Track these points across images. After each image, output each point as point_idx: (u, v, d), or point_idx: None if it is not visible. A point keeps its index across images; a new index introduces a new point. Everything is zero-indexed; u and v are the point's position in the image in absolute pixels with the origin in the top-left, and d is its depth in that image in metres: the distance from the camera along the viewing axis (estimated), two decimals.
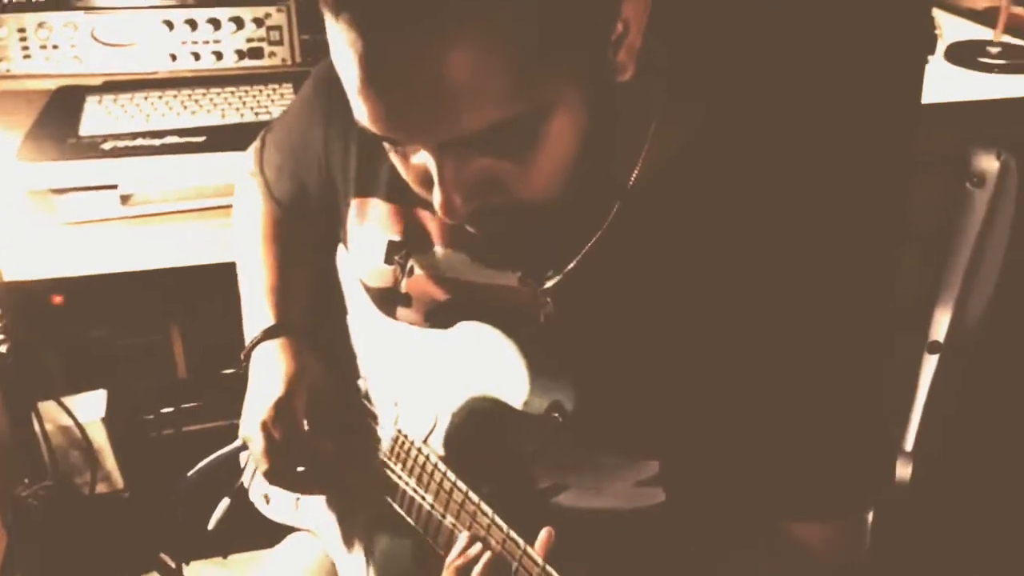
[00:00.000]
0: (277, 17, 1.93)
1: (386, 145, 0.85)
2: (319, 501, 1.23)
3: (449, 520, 0.99)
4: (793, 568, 1.00)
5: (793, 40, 1.21)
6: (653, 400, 0.96)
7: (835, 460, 0.97)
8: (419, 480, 1.04)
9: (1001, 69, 1.97)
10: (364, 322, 1.21)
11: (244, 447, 1.37)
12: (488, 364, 1.00)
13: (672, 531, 1.02)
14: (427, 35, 0.71)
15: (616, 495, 1.01)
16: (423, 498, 1.03)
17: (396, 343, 1.14)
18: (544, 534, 0.88)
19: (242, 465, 1.43)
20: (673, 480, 1.00)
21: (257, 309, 1.25)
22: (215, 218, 1.64)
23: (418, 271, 1.07)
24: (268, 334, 1.20)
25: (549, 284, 0.99)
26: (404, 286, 1.08)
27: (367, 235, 1.11)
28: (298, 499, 1.27)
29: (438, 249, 1.05)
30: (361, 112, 0.78)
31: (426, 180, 0.84)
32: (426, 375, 1.09)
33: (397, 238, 1.08)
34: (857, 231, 0.94)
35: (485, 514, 0.94)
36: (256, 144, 1.33)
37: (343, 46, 0.75)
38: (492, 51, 0.72)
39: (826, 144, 1.03)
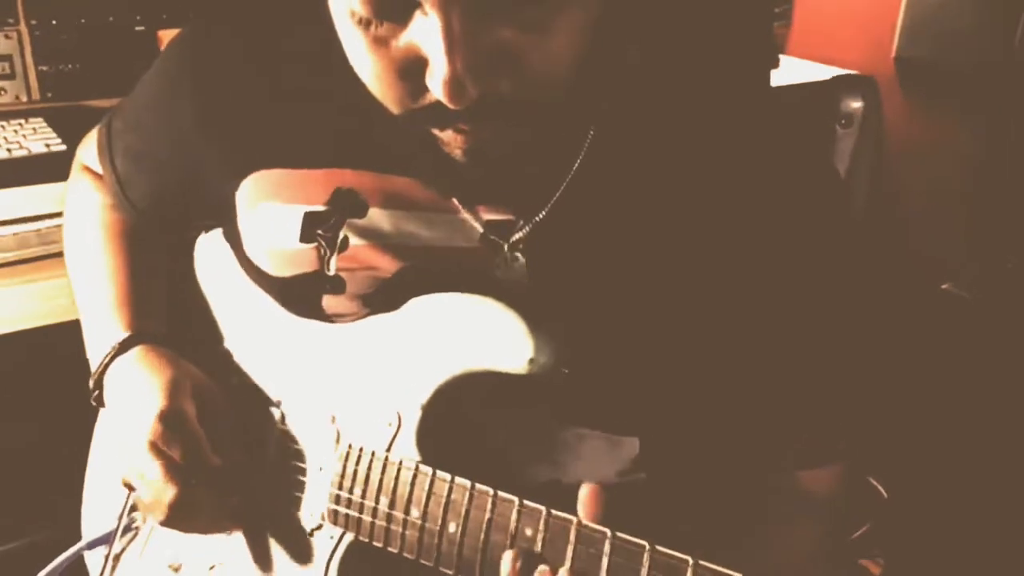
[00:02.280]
0: (3, 44, 1.60)
1: (356, 32, 0.69)
2: (231, 573, 0.97)
3: (452, 528, 0.80)
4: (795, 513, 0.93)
5: None
6: (632, 359, 0.85)
7: (819, 405, 0.91)
8: (395, 497, 0.83)
9: None
10: (264, 337, 0.98)
11: (88, 546, 1.08)
12: (463, 337, 0.82)
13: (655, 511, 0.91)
14: None
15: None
16: (406, 517, 0.82)
17: (320, 348, 0.93)
18: (588, 492, 0.74)
19: (93, 568, 1.12)
20: (653, 462, 0.89)
21: (103, 326, 1.00)
22: None
23: (355, 241, 0.88)
24: (124, 347, 0.96)
25: (517, 237, 0.85)
26: (333, 266, 0.88)
27: (269, 215, 0.90)
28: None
29: (376, 212, 0.87)
30: None
31: (412, 69, 0.68)
32: (372, 373, 0.89)
33: (319, 208, 0.88)
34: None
35: (509, 501, 0.77)
36: (96, 135, 1.08)
37: None
38: None
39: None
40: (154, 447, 0.89)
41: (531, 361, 0.79)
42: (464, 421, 0.86)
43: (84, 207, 1.11)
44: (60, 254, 1.16)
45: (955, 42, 1.71)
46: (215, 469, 0.90)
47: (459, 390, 0.84)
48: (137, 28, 1.66)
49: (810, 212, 0.86)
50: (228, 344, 1.03)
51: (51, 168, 1.38)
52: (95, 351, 1.01)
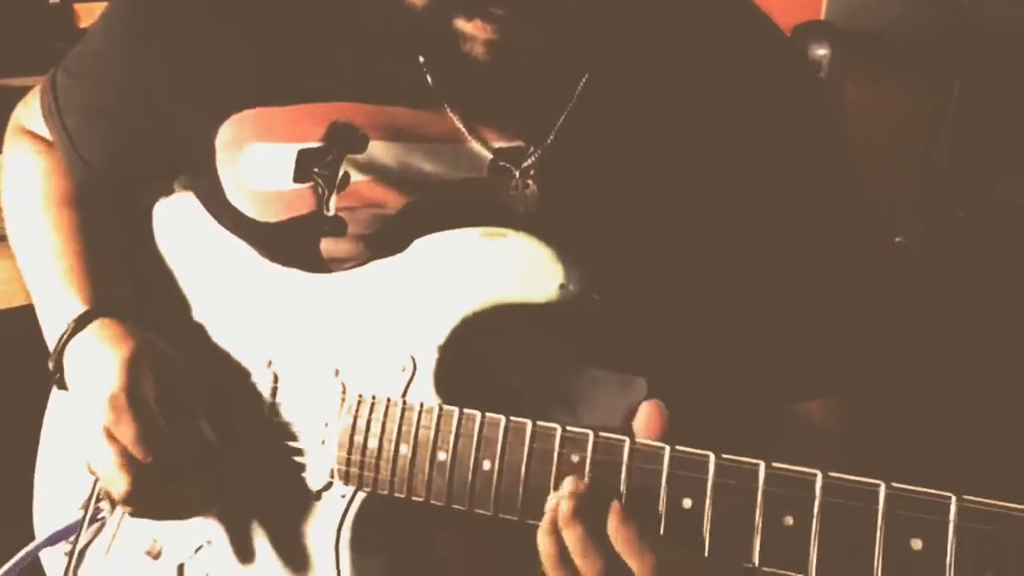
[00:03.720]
0: None
1: None
2: (226, 550, 0.89)
3: (487, 466, 0.76)
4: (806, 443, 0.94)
5: None
6: (642, 288, 0.84)
7: (814, 333, 0.91)
8: (418, 443, 0.78)
9: None
10: (247, 297, 0.92)
11: (48, 542, 0.99)
12: (482, 271, 0.79)
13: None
14: None
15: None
16: (433, 462, 0.77)
17: (316, 300, 0.87)
18: (647, 409, 0.71)
19: (51, 568, 1.02)
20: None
21: (58, 302, 0.92)
22: None
23: (356, 178, 0.83)
24: (80, 323, 0.89)
25: (528, 162, 0.83)
26: (332, 206, 0.84)
27: (257, 156, 0.85)
28: (182, 565, 0.91)
29: (377, 145, 0.82)
30: None
31: None
32: (378, 320, 0.84)
33: (315, 144, 0.83)
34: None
35: (551, 429, 0.73)
36: (40, 95, 0.99)
37: None
38: None
39: None
40: (107, 432, 0.82)
41: (561, 287, 0.76)
42: (480, 362, 0.82)
43: (25, 177, 1.03)
44: None
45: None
46: (177, 450, 0.83)
47: (476, 328, 0.81)
48: (52, 1, 1.56)
49: (804, 121, 0.88)
50: (199, 314, 0.97)
51: None
52: (52, 330, 0.93)
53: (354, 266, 0.87)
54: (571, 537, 0.67)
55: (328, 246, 0.85)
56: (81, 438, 0.88)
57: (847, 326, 0.92)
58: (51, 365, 0.91)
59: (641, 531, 0.65)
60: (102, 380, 0.84)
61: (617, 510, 0.66)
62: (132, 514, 0.85)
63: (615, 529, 0.65)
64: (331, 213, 0.84)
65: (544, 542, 0.69)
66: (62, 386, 0.92)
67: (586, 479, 0.70)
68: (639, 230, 0.83)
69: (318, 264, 0.88)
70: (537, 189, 0.83)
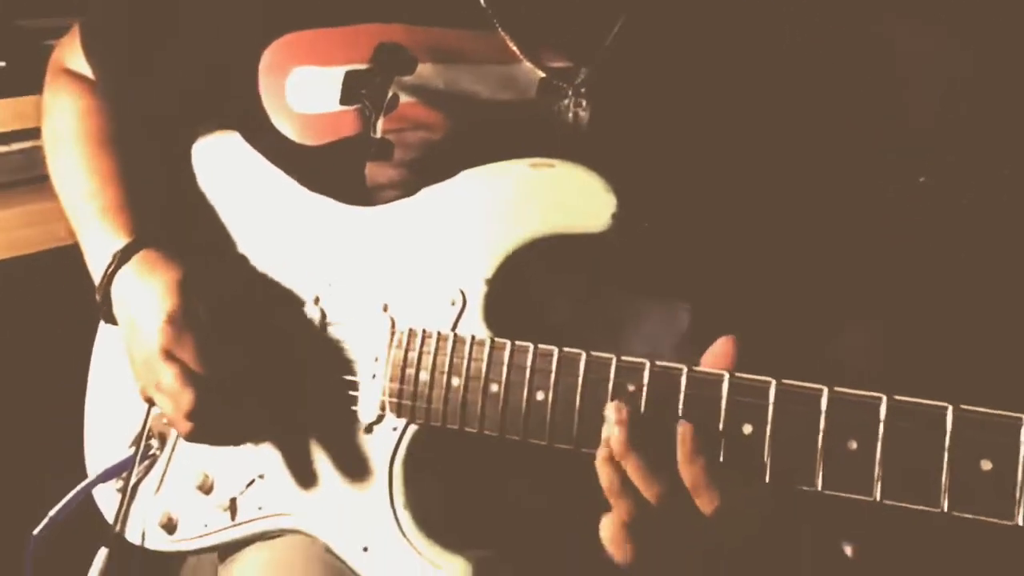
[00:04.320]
0: None
1: None
2: (279, 484, 0.90)
3: (541, 396, 0.75)
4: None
5: None
6: (692, 212, 0.83)
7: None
8: (470, 375, 0.78)
9: None
10: (294, 232, 0.91)
11: (100, 479, 1.01)
12: (531, 203, 0.78)
13: None
14: None
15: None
16: (486, 393, 0.77)
17: (363, 234, 0.87)
18: (722, 343, 0.70)
19: (104, 505, 1.04)
20: (703, 335, 0.88)
21: (102, 237, 0.93)
22: None
23: (405, 99, 0.82)
24: (125, 254, 0.90)
25: (580, 79, 0.81)
26: (379, 128, 0.83)
27: (303, 79, 0.84)
28: (234, 499, 0.93)
29: (425, 67, 0.82)
30: None
31: None
32: (425, 253, 0.83)
33: (361, 66, 0.83)
34: None
35: (606, 359, 0.73)
36: (80, 29, 0.99)
37: None
38: None
39: None
40: (166, 353, 0.82)
41: (613, 216, 0.75)
42: (528, 295, 0.82)
43: (65, 117, 1.02)
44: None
45: None
46: (236, 370, 0.84)
47: (525, 261, 0.80)
48: None
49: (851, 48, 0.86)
50: (244, 250, 0.96)
51: None
52: (96, 266, 0.93)
53: (398, 195, 0.86)
54: (630, 466, 0.67)
55: (373, 171, 0.85)
56: (135, 367, 0.88)
57: (880, 251, 0.91)
58: (98, 298, 0.92)
59: (708, 467, 0.65)
60: (155, 304, 0.85)
61: (685, 444, 0.66)
62: (191, 437, 0.86)
63: (683, 463, 0.65)
64: (378, 135, 0.83)
65: (602, 471, 0.69)
66: (109, 319, 0.92)
67: (642, 408, 0.70)
68: (688, 152, 0.82)
69: (362, 191, 0.87)
70: (588, 108, 0.81)
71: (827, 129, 0.84)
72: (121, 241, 0.91)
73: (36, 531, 0.97)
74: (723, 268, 0.85)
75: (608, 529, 0.67)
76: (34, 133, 1.31)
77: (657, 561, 0.68)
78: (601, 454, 0.70)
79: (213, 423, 0.84)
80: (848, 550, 0.91)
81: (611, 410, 0.69)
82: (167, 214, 0.97)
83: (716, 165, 0.82)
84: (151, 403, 0.89)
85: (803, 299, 0.87)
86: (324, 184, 0.90)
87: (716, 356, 0.69)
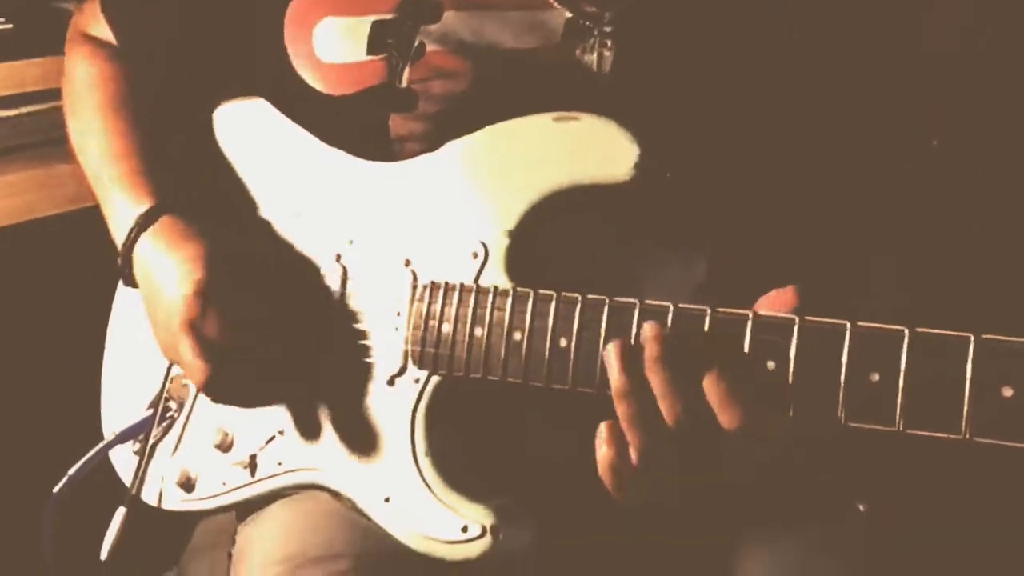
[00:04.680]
0: None
1: None
2: (299, 440, 0.91)
3: (564, 343, 0.76)
4: None
5: None
6: (713, 161, 0.84)
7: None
8: (492, 324, 0.79)
9: None
10: (316, 190, 0.93)
11: (119, 440, 1.02)
12: (553, 154, 0.80)
13: None
14: None
15: None
16: (509, 342, 0.78)
17: (384, 189, 0.88)
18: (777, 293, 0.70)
19: (120, 466, 1.05)
20: (720, 284, 0.89)
21: (122, 202, 0.94)
22: None
23: (431, 47, 0.84)
24: (148, 219, 0.91)
25: (607, 19, 0.82)
26: (405, 77, 0.84)
27: (329, 30, 0.86)
28: (254, 456, 0.94)
29: (451, 15, 0.83)
30: None
31: None
32: (446, 207, 0.85)
33: (387, 16, 0.84)
34: None
35: (629, 304, 0.73)
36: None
37: None
38: None
39: None
40: (189, 324, 0.84)
41: (636, 167, 0.77)
42: (548, 247, 0.83)
43: (85, 83, 1.03)
44: None
45: None
46: (259, 339, 0.86)
47: (547, 213, 0.82)
48: None
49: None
50: (266, 212, 0.98)
51: None
52: (119, 230, 0.94)
53: (421, 148, 0.87)
54: (656, 381, 0.67)
55: (397, 123, 0.86)
56: (156, 329, 0.90)
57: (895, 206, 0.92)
58: (119, 262, 0.93)
59: (733, 385, 0.66)
60: (178, 275, 0.86)
61: (712, 363, 0.67)
62: (214, 400, 0.87)
63: (710, 381, 0.66)
64: (403, 85, 0.85)
65: (625, 398, 0.69)
66: (130, 283, 0.93)
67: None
68: (710, 100, 0.83)
69: (384, 144, 0.88)
70: (613, 50, 0.83)
71: (849, 80, 0.85)
72: (143, 206, 0.92)
73: (55, 489, 0.98)
74: (740, 216, 0.86)
75: (611, 461, 0.69)
76: (40, 96, 1.32)
77: (661, 495, 0.70)
78: (619, 380, 0.69)
79: (235, 389, 0.86)
80: (860, 508, 0.93)
81: (650, 327, 0.69)
82: (188, 178, 0.99)
83: (736, 113, 0.84)
84: (175, 367, 0.90)
85: (818, 250, 0.88)
86: (348, 137, 0.91)
87: (771, 302, 0.70)
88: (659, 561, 0.89)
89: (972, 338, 0.60)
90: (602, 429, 0.70)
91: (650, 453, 0.68)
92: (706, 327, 0.70)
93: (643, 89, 0.82)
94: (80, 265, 1.24)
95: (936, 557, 0.95)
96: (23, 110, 1.31)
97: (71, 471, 0.98)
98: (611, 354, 0.69)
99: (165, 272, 0.88)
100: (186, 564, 1.16)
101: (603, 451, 0.69)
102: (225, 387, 0.86)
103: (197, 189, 0.98)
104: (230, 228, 0.93)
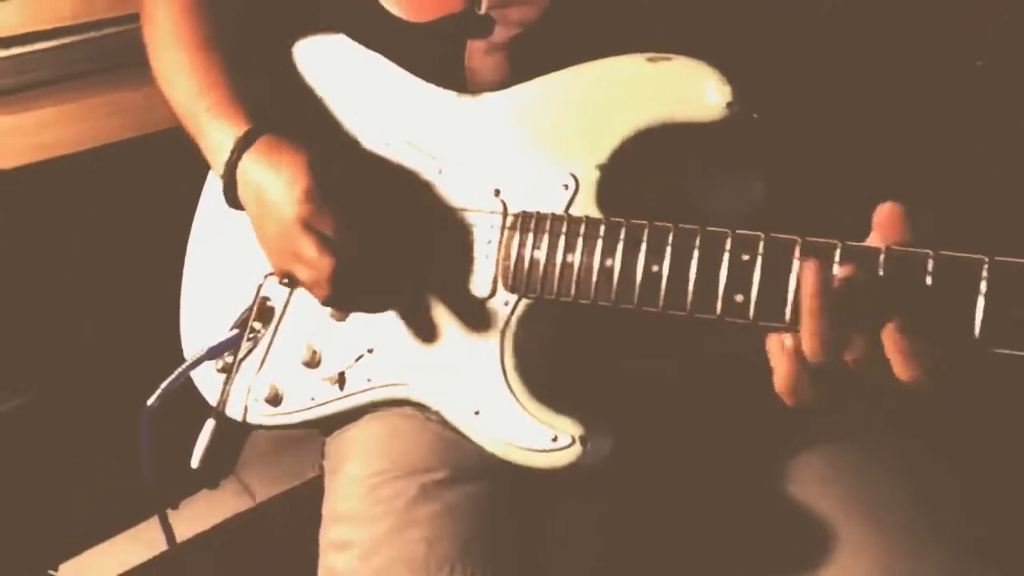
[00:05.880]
0: None
1: None
2: (389, 356, 0.96)
3: (656, 268, 0.83)
4: None
5: None
6: (789, 98, 0.89)
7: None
8: (584, 251, 0.85)
9: None
10: (409, 121, 0.97)
11: (208, 356, 1.07)
12: (644, 92, 0.85)
13: None
14: None
15: None
16: (601, 267, 0.84)
17: (475, 120, 0.93)
18: (887, 211, 0.71)
19: (202, 383, 1.10)
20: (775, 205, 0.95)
21: (215, 131, 0.98)
22: None
23: None
24: (248, 139, 0.95)
25: None
26: (485, 3, 0.89)
27: None
28: (343, 372, 1.00)
29: None
30: None
31: None
32: (537, 139, 0.90)
33: None
34: None
35: (721, 233, 0.79)
36: None
37: None
38: None
39: None
40: (305, 224, 0.88)
41: (728, 106, 0.82)
42: (634, 177, 0.89)
43: (169, 20, 1.06)
44: None
45: None
46: (370, 239, 0.91)
47: (635, 147, 0.87)
48: None
49: None
50: (353, 141, 1.02)
51: None
52: (217, 157, 0.98)
53: (495, 78, 0.92)
54: (843, 313, 0.68)
55: (473, 50, 0.91)
56: (268, 244, 0.94)
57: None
58: (222, 186, 0.97)
59: (915, 335, 0.67)
60: (288, 182, 0.90)
61: (895, 311, 0.67)
62: (330, 301, 0.92)
63: (893, 328, 0.67)
64: (482, 11, 0.89)
65: (813, 307, 0.69)
66: (235, 204, 0.97)
67: (757, 274, 0.77)
68: (792, 37, 0.87)
69: (459, 73, 0.93)
70: None
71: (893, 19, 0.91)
72: (240, 128, 0.96)
73: (149, 402, 1.03)
74: (801, 138, 0.92)
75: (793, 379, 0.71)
76: (113, 22, 1.34)
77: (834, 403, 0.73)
78: (813, 302, 0.69)
79: (352, 287, 0.90)
80: None
81: (844, 270, 0.69)
82: (277, 106, 1.03)
83: (806, 39, 0.88)
84: (286, 277, 0.94)
85: (867, 174, 0.94)
86: (425, 65, 0.95)
87: (882, 227, 0.72)
88: (714, 471, 0.96)
89: None
90: (784, 341, 0.72)
91: (828, 372, 0.70)
92: (795, 253, 0.76)
93: (721, 17, 0.86)
94: (157, 189, 1.28)
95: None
96: (92, 35, 1.32)
97: (164, 384, 1.04)
98: (808, 272, 0.69)
99: (272, 184, 0.91)
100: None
101: (784, 364, 0.72)
102: (343, 286, 0.90)
103: (287, 117, 1.03)
104: (324, 148, 0.97)
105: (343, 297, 0.91)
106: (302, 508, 1.21)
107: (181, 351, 1.14)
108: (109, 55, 1.32)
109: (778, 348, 0.73)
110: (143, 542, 1.56)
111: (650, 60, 0.86)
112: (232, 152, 0.95)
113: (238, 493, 1.69)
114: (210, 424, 1.05)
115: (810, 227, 0.79)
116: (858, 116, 0.94)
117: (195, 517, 1.63)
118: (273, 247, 0.92)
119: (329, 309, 0.99)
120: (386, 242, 0.92)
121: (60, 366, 1.46)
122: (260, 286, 1.04)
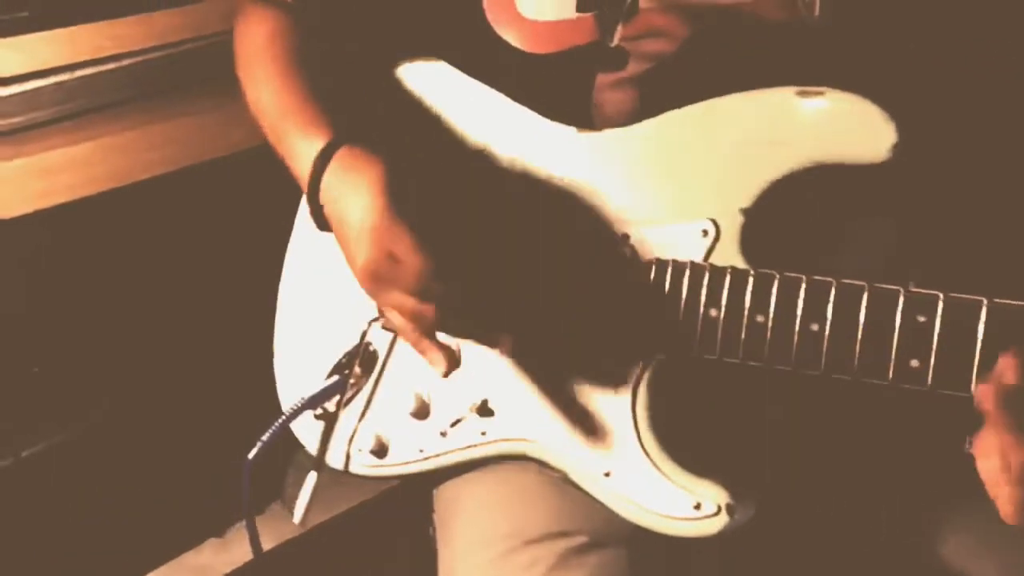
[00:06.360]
0: None
1: None
2: (506, 408, 0.90)
3: (815, 327, 0.75)
4: None
5: None
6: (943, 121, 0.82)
7: None
8: (729, 306, 0.78)
9: None
10: (522, 159, 0.90)
11: (308, 405, 1.01)
12: (796, 130, 0.77)
13: None
14: None
15: None
16: (750, 323, 0.77)
17: (599, 158, 0.86)
18: None
19: (300, 432, 1.05)
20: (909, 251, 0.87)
21: (302, 150, 0.90)
22: None
23: (645, 3, 0.82)
24: (325, 155, 0.87)
25: None
26: (617, 35, 0.82)
27: None
28: (455, 423, 0.93)
29: None
30: None
31: None
32: (670, 179, 0.83)
33: None
34: None
35: (893, 291, 0.72)
36: None
37: None
38: None
39: None
40: (382, 249, 0.80)
41: (894, 147, 0.75)
42: (780, 225, 0.82)
43: (258, 39, 1.00)
44: None
45: None
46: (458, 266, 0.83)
47: (783, 190, 0.80)
48: None
49: None
50: (456, 166, 0.95)
51: None
52: (303, 173, 0.90)
53: (624, 112, 0.85)
54: None
55: (602, 84, 0.85)
56: (355, 264, 0.85)
57: None
58: (309, 208, 0.89)
59: None
60: (364, 200, 0.82)
61: None
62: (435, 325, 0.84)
63: None
64: (614, 43, 0.82)
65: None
66: (323, 226, 0.90)
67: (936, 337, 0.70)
68: (929, 50, 0.81)
69: (585, 107, 0.86)
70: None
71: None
72: (319, 143, 0.88)
73: (251, 455, 0.99)
74: (936, 187, 0.84)
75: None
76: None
77: None
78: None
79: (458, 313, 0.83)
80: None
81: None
82: (364, 128, 0.95)
83: (944, 70, 0.81)
84: (387, 317, 0.87)
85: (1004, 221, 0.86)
86: (546, 99, 0.89)
87: None
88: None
89: None
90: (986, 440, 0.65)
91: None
92: (982, 317, 0.69)
93: (862, 39, 0.79)
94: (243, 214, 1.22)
95: None
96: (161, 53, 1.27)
97: (264, 438, 0.99)
98: (1006, 363, 0.64)
99: (353, 204, 0.83)
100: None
101: (992, 461, 0.64)
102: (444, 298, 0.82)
103: (374, 138, 0.95)
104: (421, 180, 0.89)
105: (451, 324, 0.84)
106: (350, 534, 1.16)
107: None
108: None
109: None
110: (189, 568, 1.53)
111: (800, 94, 0.78)
112: (313, 169, 0.87)
113: (285, 518, 1.63)
114: (312, 477, 0.99)
115: (950, 281, 0.73)
116: (1001, 163, 0.86)
117: (241, 542, 1.57)
118: (358, 265, 0.83)
119: None
120: (482, 275, 0.86)
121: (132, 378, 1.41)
122: (365, 332, 0.98)
